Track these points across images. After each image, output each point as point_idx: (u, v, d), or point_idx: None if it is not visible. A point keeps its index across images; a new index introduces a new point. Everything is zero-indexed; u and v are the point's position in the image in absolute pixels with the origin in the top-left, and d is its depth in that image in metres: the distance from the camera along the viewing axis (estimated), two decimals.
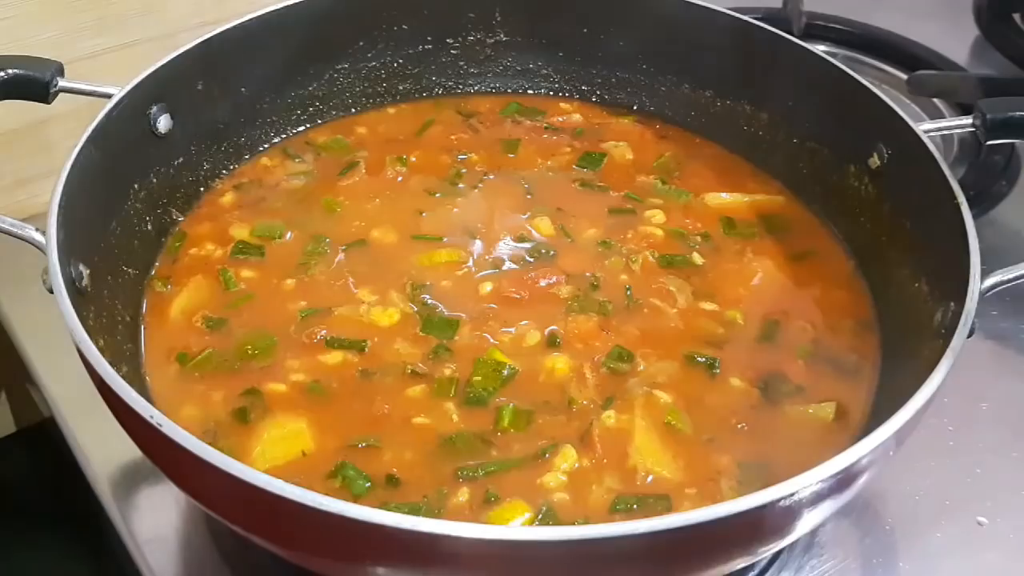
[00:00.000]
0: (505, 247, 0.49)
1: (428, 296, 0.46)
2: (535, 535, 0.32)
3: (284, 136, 0.54)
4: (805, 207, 0.53)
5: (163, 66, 0.48)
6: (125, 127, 0.46)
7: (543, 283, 0.47)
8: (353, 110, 0.55)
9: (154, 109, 0.47)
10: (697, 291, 0.47)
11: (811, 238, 0.51)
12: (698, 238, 0.50)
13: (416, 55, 0.56)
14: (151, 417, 0.34)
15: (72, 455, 0.50)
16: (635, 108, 0.58)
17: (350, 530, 0.32)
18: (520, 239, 0.49)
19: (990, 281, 0.40)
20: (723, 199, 0.53)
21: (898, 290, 0.46)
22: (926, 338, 0.41)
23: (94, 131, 0.44)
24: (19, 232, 0.41)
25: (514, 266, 0.48)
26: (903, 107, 0.48)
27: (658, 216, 0.51)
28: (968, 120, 0.47)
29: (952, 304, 0.40)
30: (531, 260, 0.48)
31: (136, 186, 0.47)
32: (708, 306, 0.47)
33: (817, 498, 0.34)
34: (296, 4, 0.53)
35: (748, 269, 0.49)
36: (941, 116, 0.61)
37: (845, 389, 0.44)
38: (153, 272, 0.48)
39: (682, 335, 0.46)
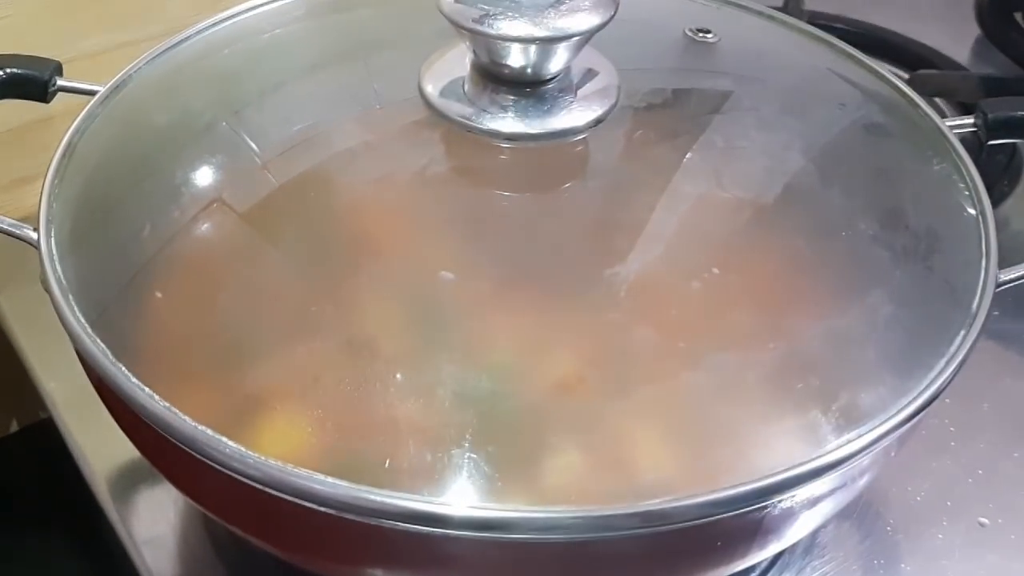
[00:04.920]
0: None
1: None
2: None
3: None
4: None
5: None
6: None
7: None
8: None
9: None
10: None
11: None
12: None
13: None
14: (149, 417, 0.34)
15: (70, 455, 0.50)
16: None
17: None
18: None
19: None
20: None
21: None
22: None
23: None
24: (17, 232, 0.41)
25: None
26: None
27: None
28: (970, 120, 0.47)
29: None
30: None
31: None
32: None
33: (818, 497, 0.34)
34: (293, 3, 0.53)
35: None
36: (943, 116, 0.61)
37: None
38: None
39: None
